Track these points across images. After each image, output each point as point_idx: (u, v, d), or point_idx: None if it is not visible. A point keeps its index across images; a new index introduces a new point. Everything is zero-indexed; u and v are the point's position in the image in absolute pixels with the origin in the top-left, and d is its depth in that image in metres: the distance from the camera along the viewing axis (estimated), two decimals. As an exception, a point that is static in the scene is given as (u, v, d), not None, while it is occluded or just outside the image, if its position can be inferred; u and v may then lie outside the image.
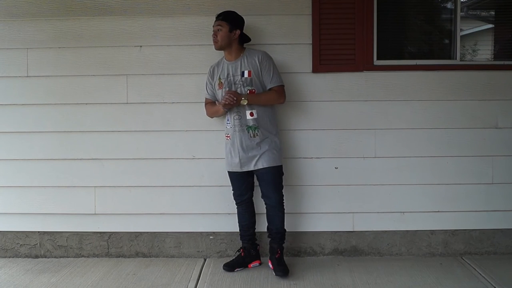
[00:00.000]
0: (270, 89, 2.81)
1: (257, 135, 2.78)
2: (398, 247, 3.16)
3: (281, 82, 2.83)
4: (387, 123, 3.09)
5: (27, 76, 3.11)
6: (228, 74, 2.80)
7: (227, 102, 2.69)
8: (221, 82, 2.82)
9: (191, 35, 3.07)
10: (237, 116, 2.78)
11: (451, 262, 3.05)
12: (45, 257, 3.19)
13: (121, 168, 3.13)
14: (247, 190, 2.91)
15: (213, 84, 2.88)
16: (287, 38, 3.05)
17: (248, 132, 2.77)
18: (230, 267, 2.89)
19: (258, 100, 2.78)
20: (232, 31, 2.77)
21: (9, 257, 3.20)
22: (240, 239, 2.99)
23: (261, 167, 2.78)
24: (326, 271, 2.90)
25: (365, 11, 3.03)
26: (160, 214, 3.15)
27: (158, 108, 3.10)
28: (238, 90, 2.77)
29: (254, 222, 2.98)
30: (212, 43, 2.81)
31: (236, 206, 2.96)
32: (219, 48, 2.80)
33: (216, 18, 2.79)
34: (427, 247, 3.16)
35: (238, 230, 2.99)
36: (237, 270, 2.90)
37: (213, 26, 2.79)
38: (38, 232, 3.19)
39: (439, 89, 3.09)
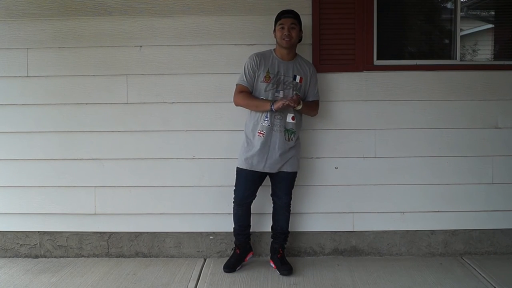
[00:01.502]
0: (311, 101, 2.87)
1: (292, 139, 2.78)
2: (398, 247, 3.16)
3: (319, 96, 2.93)
4: (387, 123, 3.09)
5: (27, 76, 3.11)
6: (278, 72, 2.78)
7: (282, 107, 2.64)
8: (269, 76, 2.77)
9: (191, 35, 3.06)
10: (279, 116, 2.75)
11: (451, 262, 3.05)
12: (45, 257, 3.19)
13: (121, 168, 3.13)
14: (254, 194, 2.89)
15: (257, 74, 2.79)
16: (287, 38, 3.05)
17: (285, 135, 2.76)
18: (231, 268, 2.87)
19: (307, 108, 2.84)
20: (300, 31, 2.80)
21: (9, 257, 3.20)
22: (234, 236, 2.97)
23: (285, 170, 2.79)
24: (326, 271, 2.90)
25: (365, 11, 3.03)
26: (160, 214, 3.15)
27: (158, 108, 3.10)
28: (286, 91, 2.76)
29: (250, 223, 2.97)
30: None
31: (234, 206, 2.92)
32: (290, 45, 2.76)
33: (286, 15, 2.75)
34: (427, 247, 3.16)
35: (233, 229, 2.97)
36: (238, 269, 2.89)
37: (280, 23, 2.73)
38: (38, 232, 3.19)
39: (439, 89, 3.09)
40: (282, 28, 2.74)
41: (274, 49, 2.86)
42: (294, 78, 2.79)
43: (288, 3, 3.01)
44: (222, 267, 2.89)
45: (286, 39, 2.72)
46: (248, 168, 2.79)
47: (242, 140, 2.85)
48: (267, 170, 2.78)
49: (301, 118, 2.89)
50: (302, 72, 2.82)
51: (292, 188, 2.91)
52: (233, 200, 2.91)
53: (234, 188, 2.90)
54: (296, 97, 2.72)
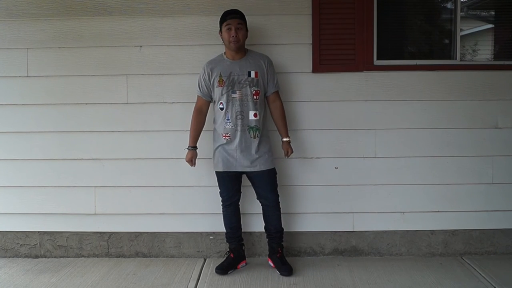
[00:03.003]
0: (272, 93, 2.85)
1: (257, 136, 2.78)
2: (398, 247, 3.16)
3: (279, 86, 2.91)
4: (387, 123, 3.09)
5: (27, 76, 3.11)
6: (231, 73, 2.78)
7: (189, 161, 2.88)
8: (222, 80, 2.78)
9: (191, 35, 3.07)
10: (240, 116, 2.76)
11: (451, 262, 3.05)
12: (45, 257, 3.19)
13: (121, 168, 3.13)
14: (237, 192, 2.91)
15: (211, 82, 2.82)
16: (287, 38, 3.05)
17: (249, 133, 2.77)
18: (223, 270, 2.86)
19: (282, 119, 2.88)
20: (247, 31, 2.80)
21: (9, 257, 3.20)
22: (227, 241, 2.97)
23: (259, 169, 2.78)
24: (326, 271, 2.90)
25: (365, 11, 3.03)
26: (160, 214, 3.15)
27: (158, 108, 3.10)
28: (243, 90, 2.76)
29: (240, 224, 2.98)
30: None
31: (223, 208, 2.93)
32: (238, 47, 2.75)
33: (232, 15, 2.73)
34: (427, 247, 3.16)
35: (225, 234, 2.98)
36: (230, 272, 2.88)
37: (227, 24, 2.71)
38: (38, 232, 3.19)
39: (439, 89, 3.09)
40: (229, 29, 2.71)
41: (224, 52, 2.85)
42: (249, 75, 2.78)
43: (288, 3, 3.02)
44: (215, 268, 2.88)
45: (234, 41, 2.71)
46: (222, 170, 2.82)
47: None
48: (239, 170, 2.79)
49: (265, 115, 2.88)
50: (256, 66, 2.80)
51: (276, 186, 2.88)
52: (221, 203, 2.93)
53: (219, 191, 2.92)
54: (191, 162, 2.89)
